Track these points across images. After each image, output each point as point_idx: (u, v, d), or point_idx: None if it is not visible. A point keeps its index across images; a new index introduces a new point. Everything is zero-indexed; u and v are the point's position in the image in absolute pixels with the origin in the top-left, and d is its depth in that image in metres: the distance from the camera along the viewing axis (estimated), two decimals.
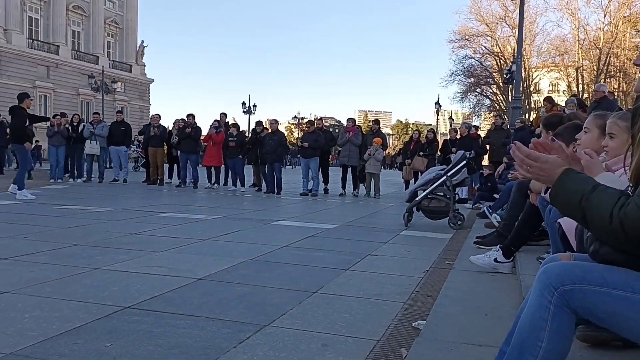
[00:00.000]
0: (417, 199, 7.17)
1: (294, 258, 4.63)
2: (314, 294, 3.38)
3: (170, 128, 14.53)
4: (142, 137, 15.25)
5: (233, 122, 15.59)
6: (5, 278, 3.48)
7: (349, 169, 12.54)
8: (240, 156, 12.84)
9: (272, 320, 2.80)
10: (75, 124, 14.09)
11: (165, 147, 14.18)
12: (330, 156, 16.24)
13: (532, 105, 38.56)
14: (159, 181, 13.86)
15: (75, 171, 14.25)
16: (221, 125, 13.15)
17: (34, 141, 15.53)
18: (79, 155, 14.13)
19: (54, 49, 43.69)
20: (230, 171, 13.24)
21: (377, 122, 13.15)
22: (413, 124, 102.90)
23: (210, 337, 2.52)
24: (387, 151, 35.67)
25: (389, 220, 7.93)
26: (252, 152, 12.90)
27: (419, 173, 12.63)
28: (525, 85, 34.83)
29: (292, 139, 67.07)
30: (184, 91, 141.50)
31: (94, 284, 3.42)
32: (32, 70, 41.25)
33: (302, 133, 12.70)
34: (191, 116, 13.40)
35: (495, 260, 3.99)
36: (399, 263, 4.62)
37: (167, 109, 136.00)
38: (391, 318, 2.91)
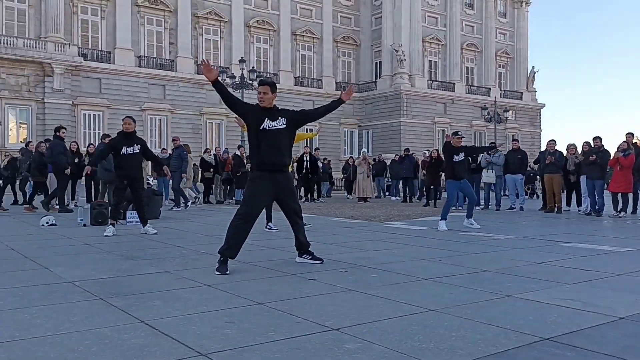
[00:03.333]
0: None
1: None
2: None
3: (566, 154, 13.85)
4: (537, 165, 15.04)
5: None
6: (430, 297, 3.92)
7: None
8: None
9: None
10: (473, 155, 14.92)
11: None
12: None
13: None
14: (556, 209, 13.35)
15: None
16: (630, 146, 11.82)
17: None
18: (477, 183, 14.88)
19: (450, 87, 47.67)
20: None
21: None
22: None
23: None
24: None
25: None
26: None
27: None
28: None
29: None
30: (579, 112, 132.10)
31: (508, 311, 3.52)
32: (431, 108, 45.90)
33: None
34: (598, 139, 12.48)
35: None
36: None
37: (560, 133, 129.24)
38: None
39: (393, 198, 20.59)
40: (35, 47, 32.86)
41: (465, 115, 47.83)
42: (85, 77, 34.93)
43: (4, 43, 31.86)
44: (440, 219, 9.12)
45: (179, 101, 38.23)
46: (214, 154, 17.63)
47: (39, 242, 7.06)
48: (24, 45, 32.55)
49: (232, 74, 31.31)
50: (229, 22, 40.87)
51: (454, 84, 47.79)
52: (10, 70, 32.42)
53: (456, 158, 9.15)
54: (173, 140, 15.53)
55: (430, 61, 47.58)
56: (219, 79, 5.12)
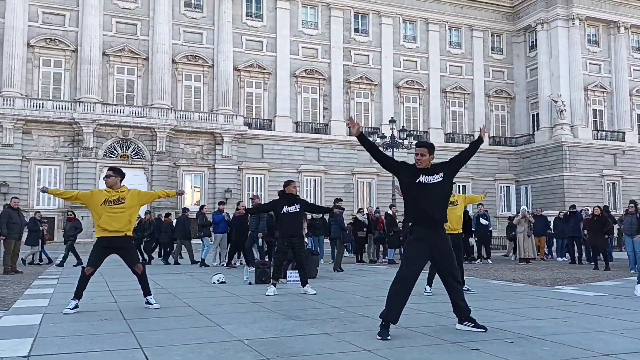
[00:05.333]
0: None
1: None
2: None
3: None
4: None
5: None
6: None
7: None
8: None
9: None
10: None
11: None
12: None
13: None
14: None
15: None
16: None
17: None
18: None
19: (619, 136, 43.79)
20: None
21: None
22: None
23: None
24: None
25: None
26: None
27: None
28: None
29: None
30: None
31: None
32: (598, 160, 42.30)
33: None
34: None
35: None
36: None
37: None
38: None
39: (559, 259, 19.00)
40: (208, 119, 36.94)
41: (639, 167, 43.27)
42: (250, 143, 38.17)
43: (183, 117, 36.28)
44: (638, 283, 8.22)
45: (332, 162, 39.81)
46: (367, 214, 17.89)
47: (211, 300, 7.66)
48: (199, 118, 36.77)
49: (383, 134, 31.94)
50: (379, 85, 42.15)
51: (623, 132, 43.77)
52: (187, 141, 36.64)
53: None
54: (251, 199, 15.01)
55: (594, 110, 44.25)
56: (362, 131, 5.39)
